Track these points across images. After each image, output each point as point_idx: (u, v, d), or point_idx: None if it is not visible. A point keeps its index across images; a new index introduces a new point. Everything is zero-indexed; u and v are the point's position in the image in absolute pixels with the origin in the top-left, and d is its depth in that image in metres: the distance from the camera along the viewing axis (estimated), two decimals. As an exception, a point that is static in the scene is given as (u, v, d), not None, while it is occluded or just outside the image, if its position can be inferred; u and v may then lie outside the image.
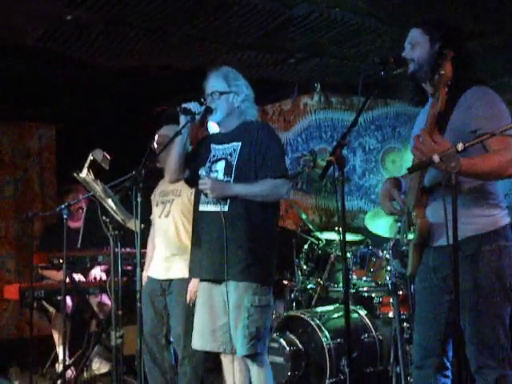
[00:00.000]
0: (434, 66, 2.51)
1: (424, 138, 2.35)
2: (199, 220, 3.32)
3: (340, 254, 4.71)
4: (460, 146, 2.07)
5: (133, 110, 6.34)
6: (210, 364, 4.17)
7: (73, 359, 4.96)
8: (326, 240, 4.93)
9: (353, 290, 4.59)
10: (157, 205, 3.99)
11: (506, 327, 2.53)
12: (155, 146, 4.05)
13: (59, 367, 4.96)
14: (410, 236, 2.71)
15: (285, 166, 3.30)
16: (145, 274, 4.06)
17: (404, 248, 2.88)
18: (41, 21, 4.18)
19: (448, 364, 2.70)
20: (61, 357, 4.93)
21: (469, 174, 2.37)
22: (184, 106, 3.25)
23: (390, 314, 4.47)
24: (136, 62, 5.22)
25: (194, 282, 3.60)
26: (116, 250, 3.49)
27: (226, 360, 3.36)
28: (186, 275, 3.76)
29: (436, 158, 2.13)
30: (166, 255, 3.89)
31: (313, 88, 5.90)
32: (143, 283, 4.01)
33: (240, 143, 3.24)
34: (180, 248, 3.85)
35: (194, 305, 3.69)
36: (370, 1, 3.94)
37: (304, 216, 5.20)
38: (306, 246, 4.93)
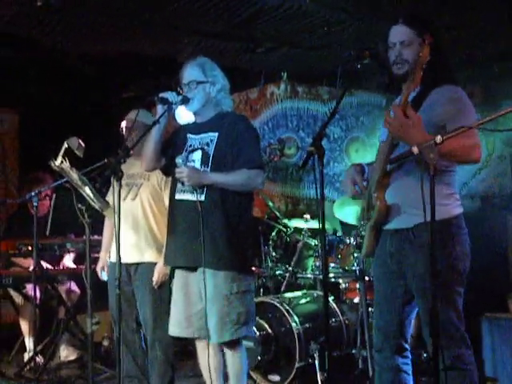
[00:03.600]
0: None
1: (396, 112, 2.48)
2: (175, 208, 3.35)
3: (307, 241, 4.83)
4: (439, 139, 2.17)
5: (98, 96, 6.29)
6: (179, 349, 4.24)
7: (40, 347, 4.93)
8: (294, 227, 5.02)
9: (321, 276, 4.71)
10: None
11: (459, 310, 2.67)
12: (123, 131, 4.06)
13: (28, 356, 4.94)
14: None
15: (260, 156, 3.36)
16: (103, 255, 4.08)
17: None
18: (10, 5, 4.11)
19: (406, 346, 2.86)
20: (30, 346, 4.91)
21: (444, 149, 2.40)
22: (161, 95, 3.24)
23: (356, 300, 4.60)
24: (103, 47, 5.18)
25: (162, 264, 3.63)
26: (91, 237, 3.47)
27: (200, 346, 3.40)
28: (153, 259, 3.83)
29: (415, 149, 2.23)
30: (132, 239, 3.86)
31: (279, 77, 5.96)
32: (103, 266, 4.05)
33: (217, 133, 3.28)
34: (147, 231, 3.87)
35: (161, 288, 3.74)
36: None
37: (271, 204, 5.27)
38: (273, 234, 5.01)
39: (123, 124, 4.05)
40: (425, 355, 4.23)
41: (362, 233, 3.10)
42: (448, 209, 2.69)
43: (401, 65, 2.74)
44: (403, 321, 2.82)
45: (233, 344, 3.24)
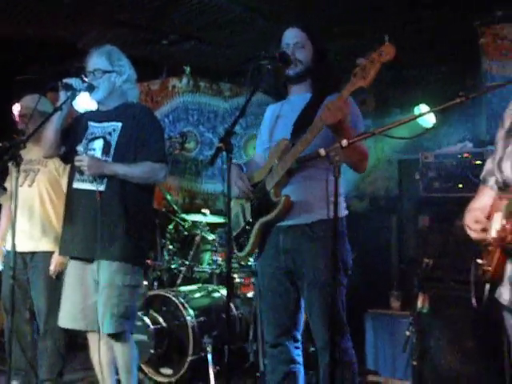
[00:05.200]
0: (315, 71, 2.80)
1: (341, 102, 2.54)
2: (72, 197, 3.28)
3: (205, 235, 4.86)
4: (344, 142, 2.27)
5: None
6: (71, 341, 4.16)
7: None
8: (192, 221, 5.03)
9: (217, 271, 4.76)
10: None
11: (344, 304, 2.83)
12: (16, 117, 3.93)
13: None
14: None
15: (164, 150, 3.35)
16: None
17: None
18: None
19: (299, 337, 2.98)
20: None
21: (353, 150, 2.55)
22: (65, 81, 3.17)
23: (249, 294, 4.68)
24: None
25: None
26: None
27: (92, 338, 3.35)
28: (49, 248, 3.77)
29: (322, 151, 2.32)
30: (28, 227, 3.77)
31: (182, 70, 5.96)
32: None
33: (121, 123, 3.24)
34: (43, 219, 3.79)
35: (57, 278, 3.66)
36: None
37: (169, 197, 5.25)
38: (170, 227, 5.00)
39: (16, 108, 3.91)
40: (312, 349, 4.37)
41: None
42: (340, 208, 2.82)
43: (294, 65, 2.86)
44: (297, 313, 2.93)
45: (121, 336, 3.22)
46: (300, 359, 2.97)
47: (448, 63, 5.32)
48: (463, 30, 4.54)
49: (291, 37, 2.90)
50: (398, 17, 4.43)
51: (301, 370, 2.97)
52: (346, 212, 2.92)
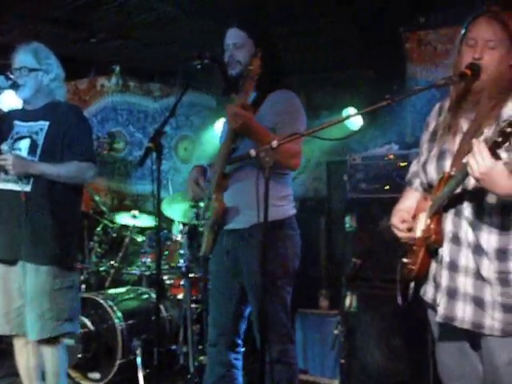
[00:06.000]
0: None
1: (236, 108, 2.62)
2: (-3, 198, 3.18)
3: (134, 237, 4.80)
4: (274, 144, 2.28)
5: None
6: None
7: None
8: (121, 223, 4.96)
9: (147, 273, 4.71)
10: None
11: (287, 307, 2.85)
12: None
13: None
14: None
15: (92, 149, 3.32)
16: None
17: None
18: None
19: (239, 341, 2.98)
20: None
21: (284, 150, 2.55)
22: (-12, 78, 3.08)
23: (180, 296, 4.64)
24: None
25: None
26: None
27: (18, 343, 3.28)
28: None
29: (252, 152, 2.33)
30: None
31: (111, 70, 5.87)
32: None
33: (48, 123, 3.17)
34: None
35: None
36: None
37: (97, 198, 5.17)
38: (98, 229, 4.91)
39: None
40: (242, 349, 4.38)
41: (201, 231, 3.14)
42: (281, 210, 2.84)
43: (234, 65, 2.87)
44: (238, 317, 2.94)
45: (52, 341, 3.16)
46: (238, 364, 2.97)
47: (376, 67, 5.44)
48: (389, 36, 4.65)
49: (231, 37, 2.90)
50: (325, 19, 4.50)
51: (237, 376, 2.97)
52: (292, 212, 2.90)
